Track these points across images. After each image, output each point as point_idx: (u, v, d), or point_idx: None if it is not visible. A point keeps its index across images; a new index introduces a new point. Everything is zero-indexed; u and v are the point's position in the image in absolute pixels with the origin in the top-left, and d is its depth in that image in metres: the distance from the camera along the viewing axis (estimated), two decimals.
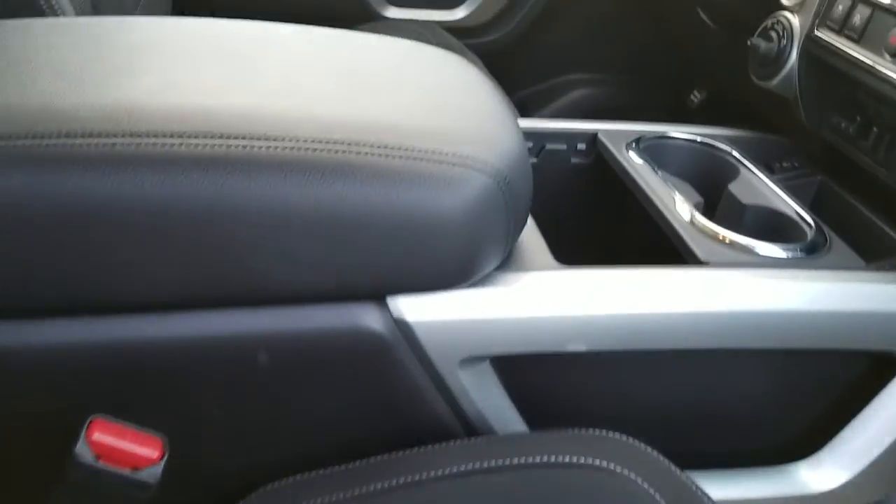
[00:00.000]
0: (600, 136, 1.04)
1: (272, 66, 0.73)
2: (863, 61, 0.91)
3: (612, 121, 1.09)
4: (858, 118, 0.97)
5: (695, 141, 1.04)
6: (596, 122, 1.08)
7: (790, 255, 0.81)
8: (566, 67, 1.85)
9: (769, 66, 1.08)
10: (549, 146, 1.05)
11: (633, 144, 1.01)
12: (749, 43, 1.09)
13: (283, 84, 0.70)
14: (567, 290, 0.72)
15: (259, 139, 0.61)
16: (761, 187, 0.95)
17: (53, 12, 0.91)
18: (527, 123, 1.05)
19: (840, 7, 0.96)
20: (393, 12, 1.71)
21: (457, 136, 0.68)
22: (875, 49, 0.90)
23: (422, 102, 0.72)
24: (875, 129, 0.94)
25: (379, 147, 0.63)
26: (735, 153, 1.02)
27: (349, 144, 0.63)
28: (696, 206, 0.89)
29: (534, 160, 1.04)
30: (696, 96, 1.72)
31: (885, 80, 0.88)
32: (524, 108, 1.86)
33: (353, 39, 0.85)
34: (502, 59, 1.78)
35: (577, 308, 0.71)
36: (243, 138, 0.60)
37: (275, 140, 0.61)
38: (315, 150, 0.62)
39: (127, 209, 0.58)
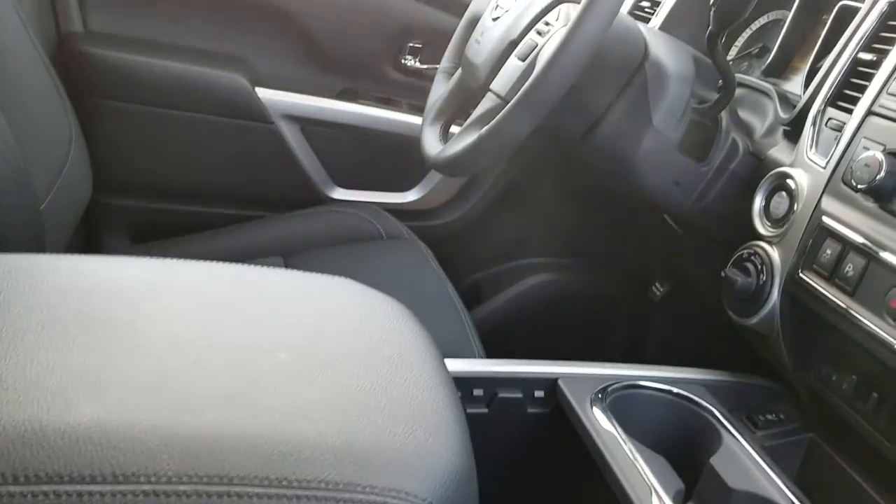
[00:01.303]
0: (561, 383, 0.90)
1: (147, 347, 0.58)
2: (859, 320, 0.79)
3: (575, 362, 0.95)
4: (854, 377, 0.84)
5: (669, 392, 0.90)
6: (556, 363, 0.94)
7: None
8: (523, 251, 1.74)
9: (746, 303, 0.96)
10: (502, 394, 0.91)
11: (598, 396, 0.87)
12: (723, 275, 0.98)
13: (155, 379, 0.54)
14: None
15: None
16: (747, 462, 0.80)
17: None
18: (477, 367, 0.91)
19: (828, 252, 0.85)
20: (340, 194, 1.60)
21: (373, 456, 0.52)
22: (873, 308, 0.78)
23: (329, 399, 0.57)
24: (875, 393, 0.81)
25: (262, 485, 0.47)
26: (715, 410, 0.88)
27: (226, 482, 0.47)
28: (676, 497, 0.74)
29: (484, 410, 0.90)
30: (658, 289, 1.61)
31: (886, 345, 0.76)
32: (479, 291, 1.74)
33: (253, 289, 0.71)
34: (455, 243, 1.67)
35: None
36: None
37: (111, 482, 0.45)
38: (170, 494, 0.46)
39: None
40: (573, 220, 1.72)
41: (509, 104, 0.96)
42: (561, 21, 1.02)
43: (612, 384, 0.88)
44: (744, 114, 1.21)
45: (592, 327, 1.70)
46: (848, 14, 1.13)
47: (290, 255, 1.32)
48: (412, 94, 1.60)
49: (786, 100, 1.17)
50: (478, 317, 1.65)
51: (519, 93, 0.95)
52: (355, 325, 0.68)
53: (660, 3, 1.46)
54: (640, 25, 1.14)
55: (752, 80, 1.25)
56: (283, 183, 1.55)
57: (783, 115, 1.10)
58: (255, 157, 1.52)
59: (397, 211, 1.58)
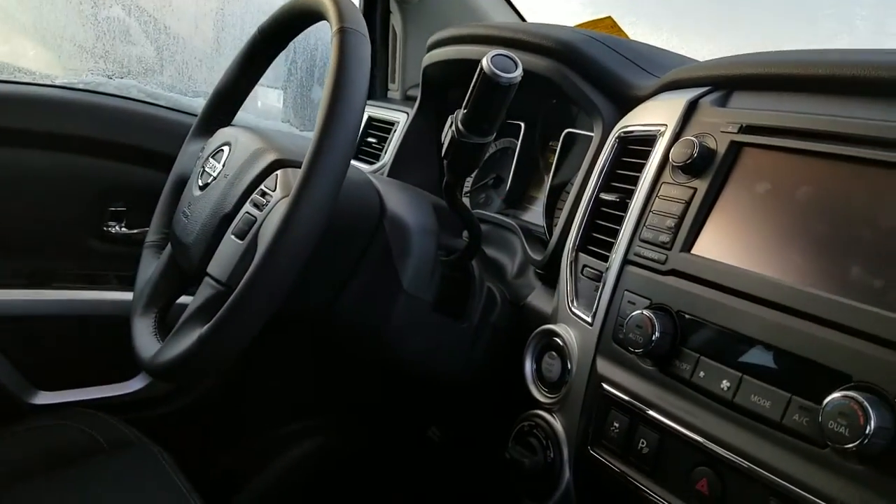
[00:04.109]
0: None
1: None
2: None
3: None
4: None
5: None
6: None
7: None
8: (282, 419, 1.53)
9: (538, 483, 0.84)
10: None
11: None
12: (507, 456, 0.86)
13: None
14: None
15: None
16: None
17: None
18: None
19: (616, 426, 0.75)
20: (44, 398, 1.30)
21: None
22: (678, 491, 0.69)
23: None
24: None
25: None
26: None
27: None
28: None
29: None
30: (435, 433, 1.49)
31: None
32: (239, 475, 1.49)
33: None
34: (200, 427, 1.43)
35: None
36: None
37: None
38: None
39: None
40: (332, 375, 1.55)
41: (233, 295, 0.79)
42: (280, 190, 0.87)
43: None
44: (491, 252, 1.14)
45: (369, 492, 1.52)
46: (574, 142, 1.10)
47: None
48: (121, 265, 1.36)
49: (530, 234, 1.11)
50: None
51: (243, 282, 0.78)
52: None
53: (387, 139, 1.38)
54: (370, 175, 1.03)
55: (494, 215, 1.18)
56: None
57: (533, 255, 1.03)
58: None
59: (122, 405, 1.32)
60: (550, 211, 1.13)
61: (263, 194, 0.88)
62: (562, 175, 1.13)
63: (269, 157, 0.90)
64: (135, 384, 1.37)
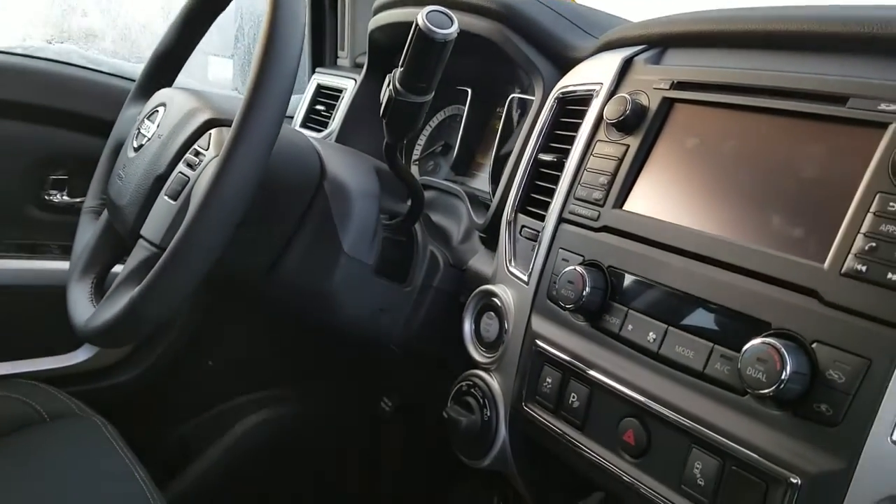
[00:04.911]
0: None
1: None
2: (594, 457, 0.70)
3: None
4: None
5: None
6: None
7: None
8: (233, 391, 1.51)
9: (474, 444, 0.84)
10: None
11: None
12: (445, 415, 0.86)
13: None
14: None
15: None
16: None
17: None
18: None
19: (549, 381, 0.76)
20: None
21: None
22: (606, 443, 0.70)
23: None
24: None
25: None
26: None
27: None
28: None
29: None
30: (387, 404, 1.48)
31: (626, 484, 0.67)
32: (187, 449, 1.48)
33: None
34: (146, 401, 1.41)
35: None
36: None
37: None
38: None
39: None
40: (283, 345, 1.54)
41: (163, 256, 0.77)
42: (213, 149, 0.85)
43: None
44: (437, 218, 1.13)
45: (325, 460, 1.52)
46: (520, 106, 1.10)
47: None
48: (63, 235, 1.33)
49: (476, 200, 1.11)
50: (188, 481, 1.40)
51: (173, 242, 0.77)
52: None
53: (335, 105, 1.36)
54: (312, 138, 1.01)
55: (440, 182, 1.18)
56: None
57: (477, 220, 1.03)
58: None
59: (64, 377, 1.29)
60: (496, 177, 1.12)
61: (197, 154, 0.86)
62: (508, 141, 1.13)
63: (203, 116, 0.89)
64: (78, 356, 1.35)
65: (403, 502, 1.54)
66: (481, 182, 1.20)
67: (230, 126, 0.83)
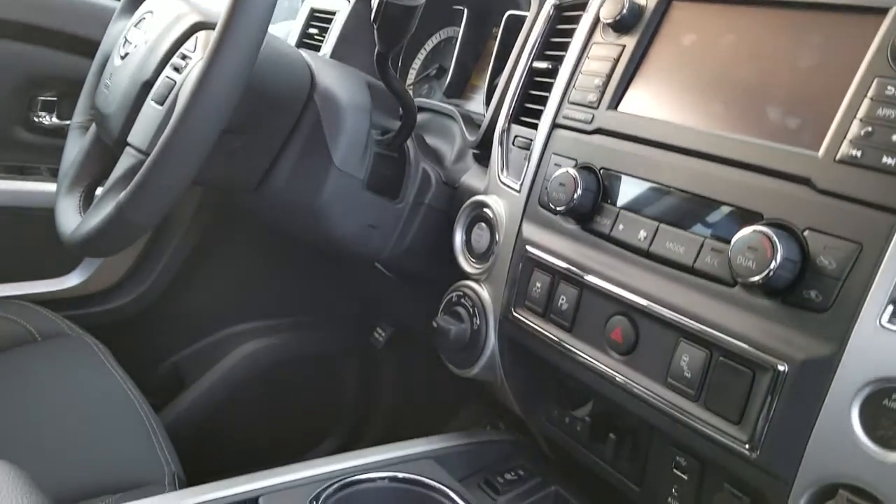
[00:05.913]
0: (263, 502, 0.71)
1: None
2: (581, 357, 0.70)
3: (281, 468, 0.76)
4: (587, 418, 0.75)
5: (394, 478, 0.75)
6: (259, 476, 0.74)
7: None
8: (227, 320, 1.51)
9: (463, 353, 0.84)
10: None
11: None
12: (434, 325, 0.85)
13: None
14: None
15: None
16: None
17: None
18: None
19: (538, 285, 0.75)
20: None
21: None
22: (594, 342, 0.69)
23: None
24: (611, 434, 0.72)
25: None
26: (447, 488, 0.74)
27: None
28: None
29: None
30: (380, 334, 1.49)
31: (612, 381, 0.67)
32: (181, 376, 1.48)
33: None
34: (138, 328, 1.40)
35: None
36: None
37: None
38: None
39: None
40: (278, 275, 1.53)
41: (149, 159, 0.76)
42: (199, 52, 0.84)
43: (325, 488, 0.71)
44: (431, 140, 1.11)
45: (319, 391, 1.53)
46: (517, 24, 1.07)
47: None
48: (53, 158, 1.31)
49: (471, 121, 1.09)
50: (183, 407, 1.40)
51: (158, 145, 0.75)
52: None
53: (328, 28, 1.33)
54: (305, 53, 0.99)
55: (434, 102, 1.16)
56: None
57: (470, 138, 1.01)
58: None
59: (55, 301, 1.29)
60: (491, 98, 1.11)
61: (184, 57, 0.85)
62: (502, 61, 1.10)
63: (191, 20, 0.87)
64: (72, 279, 1.34)
65: (396, 436, 1.55)
66: (476, 104, 1.18)
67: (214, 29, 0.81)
